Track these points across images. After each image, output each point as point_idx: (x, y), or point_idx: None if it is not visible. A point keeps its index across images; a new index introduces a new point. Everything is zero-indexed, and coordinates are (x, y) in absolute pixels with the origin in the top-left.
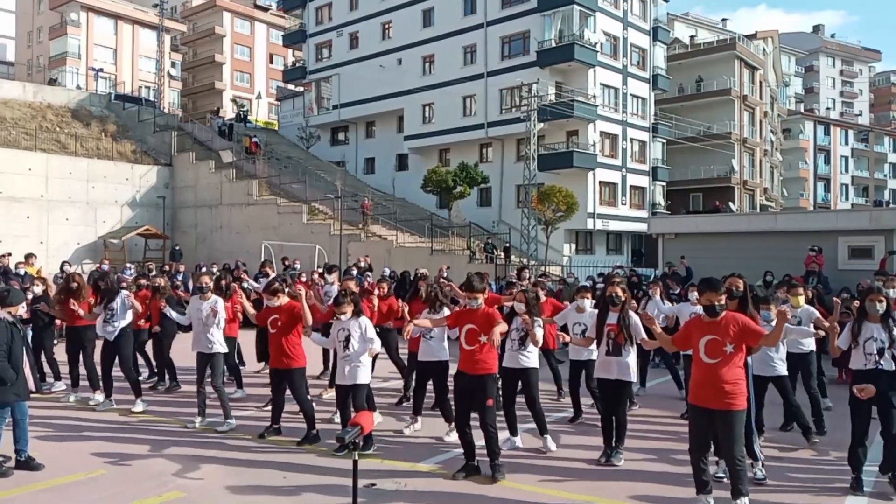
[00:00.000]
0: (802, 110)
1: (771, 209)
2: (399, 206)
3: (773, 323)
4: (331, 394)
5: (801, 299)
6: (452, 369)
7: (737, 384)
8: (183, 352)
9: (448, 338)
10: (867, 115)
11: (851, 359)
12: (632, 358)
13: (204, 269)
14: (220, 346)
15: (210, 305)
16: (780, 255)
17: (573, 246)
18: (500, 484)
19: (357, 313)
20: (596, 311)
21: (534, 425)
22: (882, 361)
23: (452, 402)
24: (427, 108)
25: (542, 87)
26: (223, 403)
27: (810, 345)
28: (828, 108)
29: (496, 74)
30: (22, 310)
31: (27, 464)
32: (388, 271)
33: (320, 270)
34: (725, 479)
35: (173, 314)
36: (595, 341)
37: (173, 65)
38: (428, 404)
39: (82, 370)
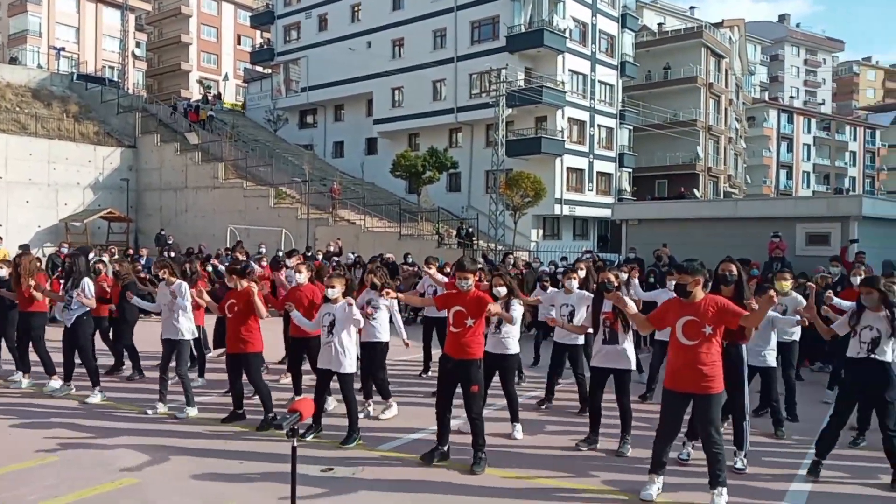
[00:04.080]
0: (767, 98)
1: (735, 196)
2: (368, 190)
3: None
4: (288, 379)
5: (787, 284)
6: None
7: (714, 366)
8: (145, 338)
9: (391, 321)
10: (829, 104)
11: (849, 346)
12: (629, 345)
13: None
14: (188, 333)
15: (173, 289)
16: (740, 242)
17: (541, 231)
18: (462, 471)
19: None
20: (583, 292)
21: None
22: (876, 351)
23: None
24: (397, 92)
25: (512, 72)
26: (186, 391)
27: (795, 334)
28: (791, 97)
29: (466, 59)
30: None
31: None
32: (353, 256)
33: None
34: (689, 459)
35: (142, 303)
36: (589, 329)
37: (138, 45)
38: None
39: (35, 356)
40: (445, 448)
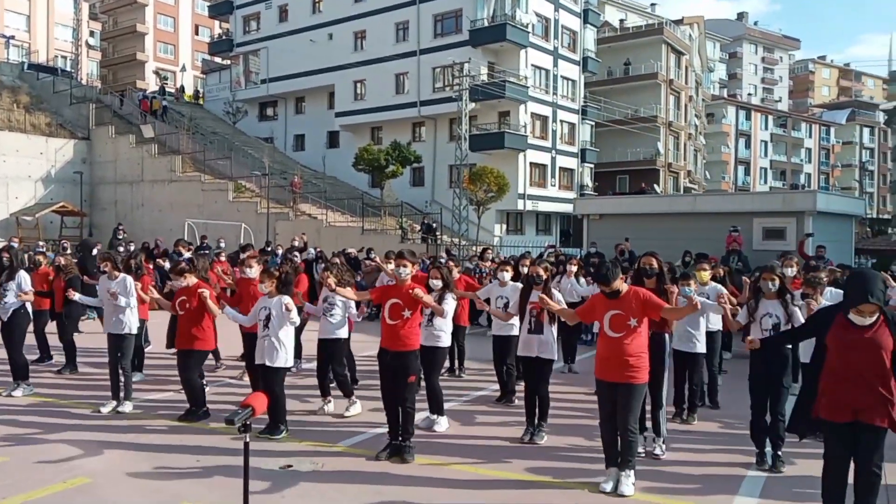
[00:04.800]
0: (726, 95)
1: (694, 191)
2: (330, 184)
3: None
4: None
5: (707, 275)
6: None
7: (639, 357)
8: (88, 334)
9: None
10: (786, 102)
11: (750, 334)
12: (553, 335)
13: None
14: (131, 328)
15: (116, 284)
16: (699, 236)
17: (504, 226)
18: (419, 463)
19: (283, 292)
20: (518, 284)
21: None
22: None
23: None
24: (359, 85)
25: (475, 66)
26: (126, 385)
27: (718, 324)
28: (749, 94)
29: (429, 52)
30: None
31: None
32: (314, 252)
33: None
34: (643, 454)
35: (85, 299)
36: (516, 317)
37: (92, 34)
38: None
39: None
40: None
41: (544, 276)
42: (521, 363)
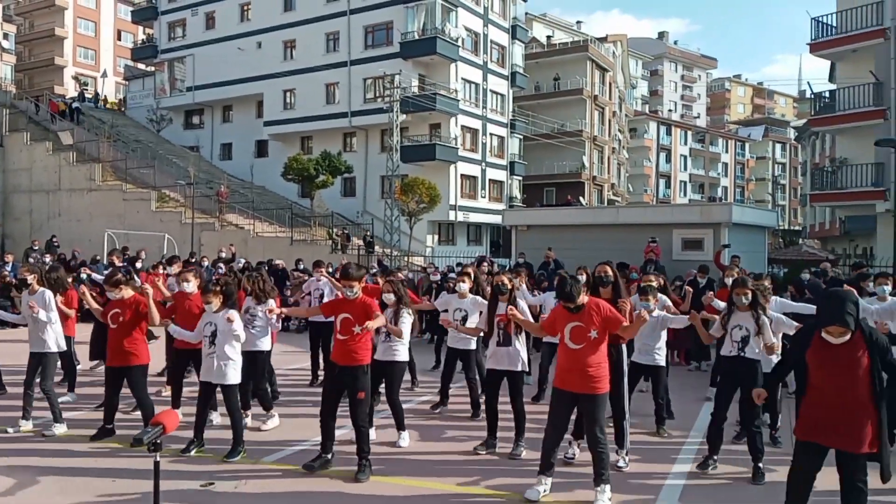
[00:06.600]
0: (647, 111)
1: (617, 203)
2: (258, 193)
3: (653, 312)
4: (169, 391)
5: (655, 286)
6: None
7: (600, 368)
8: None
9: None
10: (704, 118)
11: (723, 345)
12: (521, 346)
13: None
14: (55, 346)
15: (36, 298)
16: (622, 247)
17: (436, 237)
18: (353, 479)
19: (229, 305)
20: (477, 297)
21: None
22: (746, 350)
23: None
24: (288, 94)
25: (406, 78)
26: (52, 407)
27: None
28: (670, 110)
29: (360, 63)
30: None
31: None
32: (242, 262)
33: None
34: (574, 458)
35: (4, 315)
36: (483, 331)
37: (5, 36)
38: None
39: None
40: (329, 456)
41: (510, 286)
42: (490, 376)
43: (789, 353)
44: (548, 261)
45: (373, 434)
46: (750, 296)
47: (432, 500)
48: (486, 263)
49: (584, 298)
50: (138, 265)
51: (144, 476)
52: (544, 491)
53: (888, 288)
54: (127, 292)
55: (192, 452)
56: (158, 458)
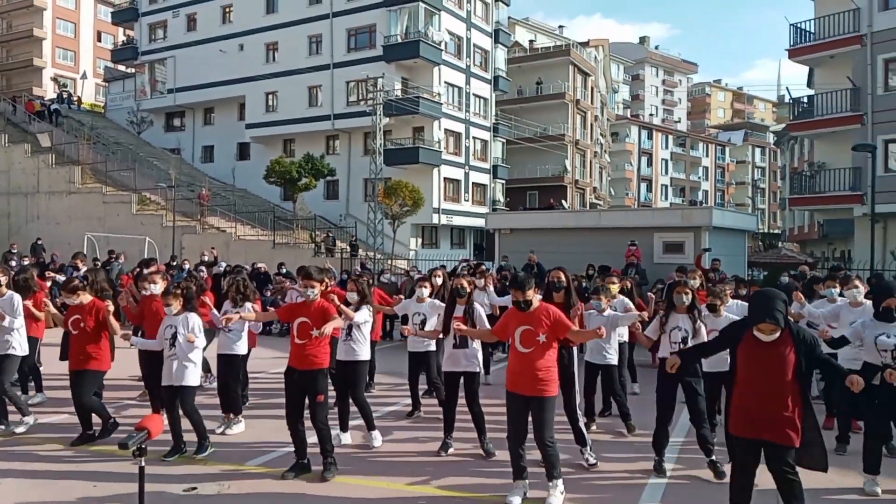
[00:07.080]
0: (629, 116)
1: (599, 207)
2: (239, 196)
3: (605, 311)
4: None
5: (615, 288)
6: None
7: (549, 371)
8: None
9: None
10: (685, 122)
11: (660, 347)
12: (477, 348)
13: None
14: (17, 348)
15: (2, 302)
16: (603, 250)
17: (419, 240)
18: (334, 481)
19: (189, 309)
20: (435, 301)
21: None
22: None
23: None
24: (271, 97)
25: (389, 81)
26: (17, 404)
27: (624, 335)
28: (651, 115)
29: (343, 66)
30: None
31: None
32: (223, 265)
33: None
34: (596, 465)
35: None
36: (441, 334)
37: None
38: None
39: None
40: (305, 461)
41: (468, 289)
42: (447, 378)
43: (715, 340)
44: (531, 264)
45: (347, 438)
46: (690, 296)
47: (411, 501)
48: (482, 266)
49: (536, 299)
50: (118, 266)
51: (125, 479)
52: (524, 494)
53: (836, 290)
54: (85, 298)
55: (175, 458)
56: (143, 463)
